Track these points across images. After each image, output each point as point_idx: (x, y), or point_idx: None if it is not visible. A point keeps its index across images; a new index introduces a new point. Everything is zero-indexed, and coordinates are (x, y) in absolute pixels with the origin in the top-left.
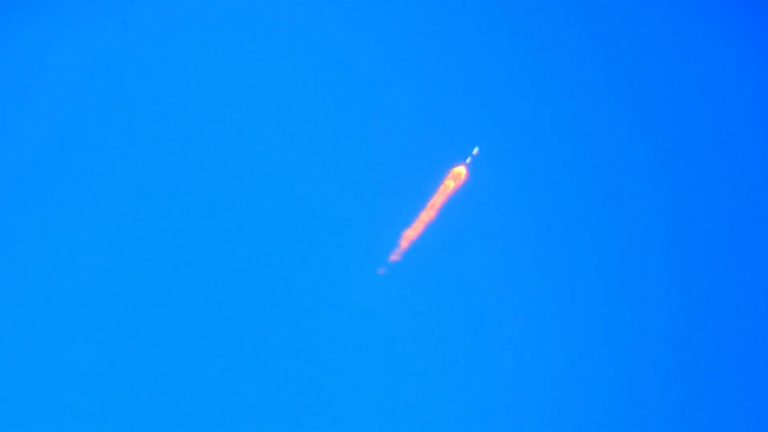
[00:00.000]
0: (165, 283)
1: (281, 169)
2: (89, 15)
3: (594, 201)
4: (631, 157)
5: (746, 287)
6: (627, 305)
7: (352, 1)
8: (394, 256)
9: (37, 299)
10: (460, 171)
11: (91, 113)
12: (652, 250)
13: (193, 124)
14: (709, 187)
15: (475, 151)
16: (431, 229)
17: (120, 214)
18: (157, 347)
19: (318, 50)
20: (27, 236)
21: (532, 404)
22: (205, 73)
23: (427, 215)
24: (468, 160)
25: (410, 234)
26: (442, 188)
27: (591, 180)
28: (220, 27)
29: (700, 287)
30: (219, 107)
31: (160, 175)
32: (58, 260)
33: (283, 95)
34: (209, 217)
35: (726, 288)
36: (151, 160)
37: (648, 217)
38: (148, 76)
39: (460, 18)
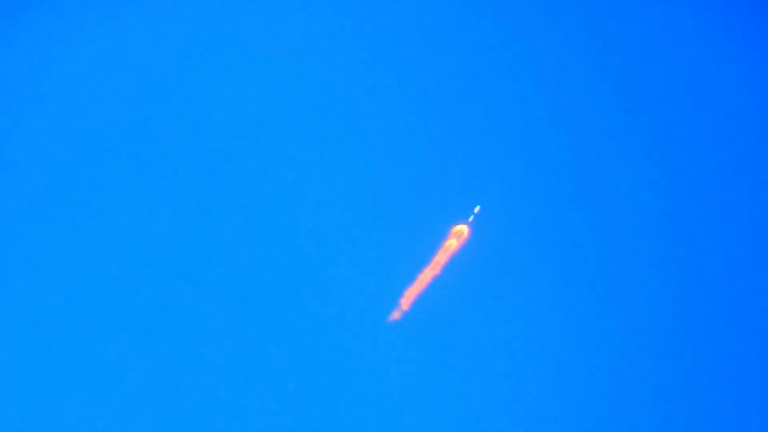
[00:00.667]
0: (161, 285)
1: (290, 222)
2: (90, 15)
3: (596, 263)
4: (634, 217)
5: (746, 293)
6: (625, 354)
7: (350, 64)
8: (396, 315)
9: (37, 299)
10: (462, 230)
11: (91, 113)
12: (652, 294)
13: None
14: (704, 201)
15: (477, 209)
16: (433, 286)
17: (116, 216)
18: (153, 348)
19: (323, 109)
20: (26, 236)
21: None
22: (208, 90)
23: (429, 273)
24: (470, 219)
25: (413, 292)
26: (444, 247)
27: (592, 243)
28: (226, 38)
29: (701, 310)
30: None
31: (160, 181)
32: (58, 260)
33: (289, 148)
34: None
35: (724, 294)
36: (152, 166)
37: (650, 265)
38: (148, 78)
39: (461, 76)
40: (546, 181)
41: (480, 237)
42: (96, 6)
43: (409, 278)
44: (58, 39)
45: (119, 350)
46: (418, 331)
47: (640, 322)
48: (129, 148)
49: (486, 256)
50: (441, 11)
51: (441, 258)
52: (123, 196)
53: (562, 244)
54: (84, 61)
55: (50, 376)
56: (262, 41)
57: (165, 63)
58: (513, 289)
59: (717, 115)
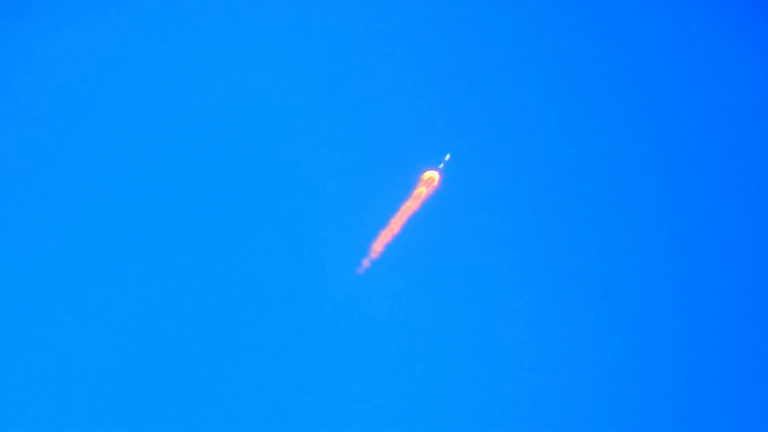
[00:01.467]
0: (159, 281)
1: (261, 173)
2: (89, 15)
3: (568, 205)
4: (610, 158)
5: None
6: (607, 306)
7: (334, 7)
8: (366, 262)
9: (36, 298)
10: (433, 176)
11: (92, 113)
12: (638, 251)
13: (189, 133)
14: (705, 189)
15: (447, 157)
16: (403, 235)
17: (114, 214)
18: (152, 345)
19: (297, 57)
20: (26, 236)
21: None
22: (203, 82)
23: (399, 221)
24: (441, 166)
25: (383, 240)
26: (414, 194)
27: (564, 185)
28: (222, 33)
29: (701, 293)
30: (212, 116)
31: (157, 178)
32: (58, 260)
33: (265, 103)
34: (201, 218)
35: (724, 293)
36: (148, 163)
37: (630, 218)
38: (146, 77)
39: (437, 23)
40: (520, 127)
41: (450, 184)
42: (96, 6)
43: (379, 226)
44: (57, 39)
45: (109, 342)
46: (388, 279)
47: (607, 269)
48: (125, 146)
49: (456, 203)
50: None
51: (411, 205)
52: (116, 194)
53: (536, 193)
54: (83, 61)
55: (49, 376)
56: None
57: (162, 60)
58: (483, 236)
59: (717, 107)
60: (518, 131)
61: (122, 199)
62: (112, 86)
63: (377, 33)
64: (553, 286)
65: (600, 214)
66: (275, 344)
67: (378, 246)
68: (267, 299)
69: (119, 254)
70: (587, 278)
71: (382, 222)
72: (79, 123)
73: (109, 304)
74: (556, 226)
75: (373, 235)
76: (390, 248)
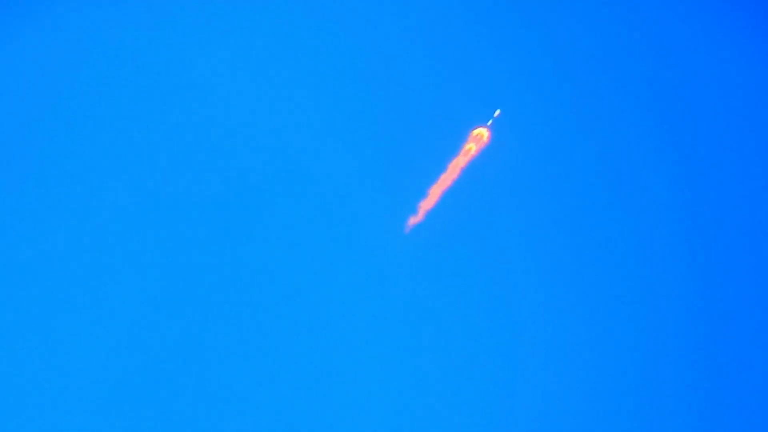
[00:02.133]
0: (162, 279)
1: (304, 126)
2: (89, 15)
3: (615, 167)
4: (647, 124)
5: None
6: (638, 284)
7: None
8: (414, 220)
9: (35, 298)
10: (482, 133)
11: (92, 113)
12: (662, 229)
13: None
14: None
15: (497, 113)
16: (451, 192)
17: (118, 213)
18: (155, 344)
19: (341, 17)
20: (25, 236)
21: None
22: (210, 80)
23: (448, 178)
24: (489, 123)
25: (431, 198)
26: (463, 151)
27: (612, 144)
28: (228, 31)
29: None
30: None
31: (165, 179)
32: (58, 260)
33: (307, 64)
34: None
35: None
36: (161, 168)
37: (659, 192)
38: (155, 77)
39: None
40: (570, 84)
41: (500, 141)
42: (95, 5)
43: (428, 183)
44: (57, 38)
45: (111, 342)
46: (436, 237)
47: (649, 237)
48: (131, 145)
49: (506, 161)
50: None
51: (460, 162)
52: (121, 193)
53: (586, 152)
54: (84, 60)
55: (49, 375)
56: None
57: (166, 60)
58: (533, 196)
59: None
60: (569, 89)
61: (144, 202)
62: (112, 86)
63: None
64: (610, 253)
65: (653, 180)
66: (320, 307)
67: (427, 204)
68: (313, 261)
69: (140, 256)
70: (638, 244)
71: (431, 179)
72: (79, 123)
73: (132, 306)
74: (608, 190)
75: (421, 192)
76: (438, 206)
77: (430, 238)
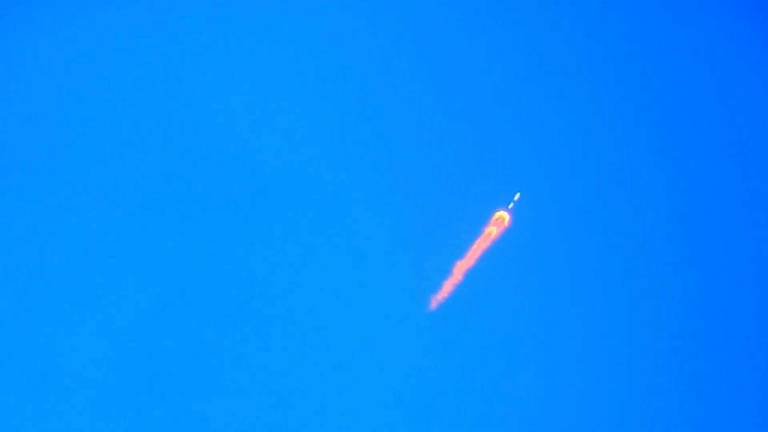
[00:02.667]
0: (163, 285)
1: (327, 207)
2: (89, 15)
3: (637, 246)
4: (670, 205)
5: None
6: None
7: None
8: (437, 300)
9: (35, 299)
10: (503, 216)
11: (93, 113)
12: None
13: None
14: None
15: (517, 196)
16: (473, 274)
17: (118, 214)
18: (155, 348)
19: (359, 94)
20: (25, 236)
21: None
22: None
23: (469, 261)
24: (510, 206)
25: (452, 280)
26: (484, 234)
27: (633, 226)
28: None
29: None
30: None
31: (174, 182)
32: (58, 260)
33: (324, 134)
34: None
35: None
36: (165, 168)
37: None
38: (166, 77)
39: (503, 61)
40: (589, 167)
41: (521, 224)
42: (95, 5)
43: (448, 265)
44: (54, 37)
45: (112, 343)
46: (458, 320)
47: (693, 308)
48: (124, 146)
49: (527, 243)
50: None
51: (481, 245)
52: (128, 195)
53: (607, 232)
54: (84, 60)
55: (49, 375)
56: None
57: (170, 62)
58: (555, 277)
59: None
60: (590, 170)
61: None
62: (112, 86)
63: (447, 74)
64: (632, 332)
65: (678, 257)
66: (343, 377)
67: (449, 285)
68: (335, 335)
69: (144, 257)
70: (669, 330)
71: (452, 261)
72: (79, 123)
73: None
74: (629, 270)
75: (443, 273)
76: (461, 287)
77: (452, 317)
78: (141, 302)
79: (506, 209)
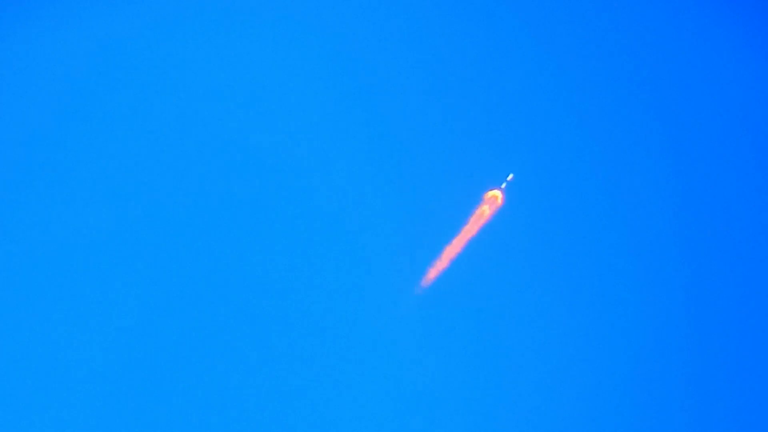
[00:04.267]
0: (164, 288)
1: (314, 190)
2: (89, 15)
3: (629, 225)
4: (668, 182)
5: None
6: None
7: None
8: (426, 281)
9: (35, 298)
10: (495, 196)
11: (92, 114)
12: (684, 280)
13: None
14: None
15: (510, 176)
16: (464, 255)
17: (118, 214)
18: (155, 350)
19: (359, 75)
20: (25, 236)
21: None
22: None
23: (461, 241)
24: (503, 186)
25: (443, 261)
26: (477, 213)
27: (625, 205)
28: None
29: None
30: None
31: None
32: (57, 260)
33: (321, 113)
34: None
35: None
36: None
37: (683, 248)
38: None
39: (499, 50)
40: (582, 148)
41: (514, 204)
42: (95, 5)
43: (440, 246)
44: (54, 37)
45: (112, 344)
46: (448, 300)
47: (675, 288)
48: (123, 146)
49: (519, 224)
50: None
51: (473, 225)
52: (132, 197)
53: (600, 215)
54: (84, 61)
55: (49, 376)
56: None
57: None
58: (546, 260)
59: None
60: (583, 152)
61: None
62: (112, 86)
63: (441, 59)
64: (622, 314)
65: (676, 241)
66: (326, 364)
67: (439, 266)
68: (321, 317)
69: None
70: (667, 315)
71: (444, 241)
72: (79, 123)
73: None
74: (623, 249)
75: (434, 254)
76: (450, 269)
77: (442, 299)
78: (140, 302)
79: (499, 189)
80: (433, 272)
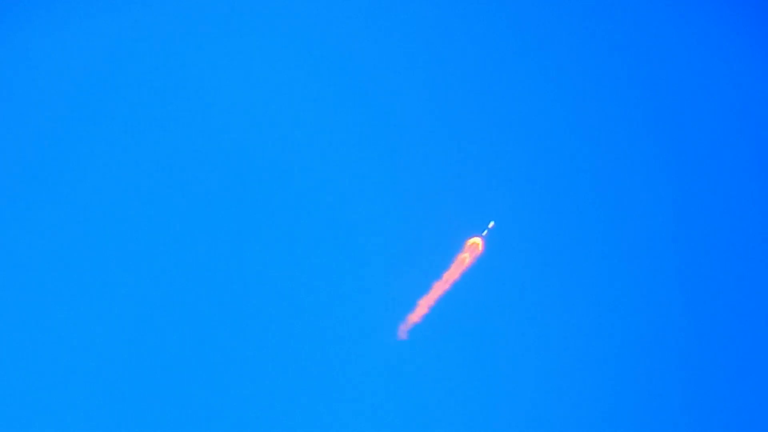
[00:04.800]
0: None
1: (302, 232)
2: (89, 15)
3: (611, 278)
4: (653, 238)
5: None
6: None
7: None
8: (406, 328)
9: (35, 298)
10: (476, 243)
11: (93, 114)
12: (663, 318)
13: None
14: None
15: (491, 224)
16: (445, 301)
17: (117, 215)
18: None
19: (336, 123)
20: (25, 237)
21: None
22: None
23: (442, 287)
24: (484, 233)
25: (424, 306)
26: (457, 260)
27: (606, 255)
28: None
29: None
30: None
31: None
32: (57, 260)
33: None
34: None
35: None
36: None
37: (662, 298)
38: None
39: (477, 91)
40: (562, 196)
41: (494, 251)
42: (95, 5)
43: (421, 291)
44: (54, 37)
45: (112, 344)
46: (429, 345)
47: (659, 335)
48: (123, 146)
49: (500, 271)
50: (456, 18)
51: (454, 272)
52: (133, 198)
53: (578, 259)
54: (84, 60)
55: (49, 376)
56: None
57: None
58: (527, 304)
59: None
60: (563, 199)
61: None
62: (113, 86)
63: (424, 99)
64: (603, 355)
65: (655, 286)
66: (312, 407)
67: (419, 311)
68: (306, 362)
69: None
70: (646, 353)
71: (425, 288)
72: (78, 123)
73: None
74: (603, 292)
75: (414, 300)
76: (431, 314)
77: (422, 345)
78: (140, 302)
79: (480, 236)
80: (413, 317)
